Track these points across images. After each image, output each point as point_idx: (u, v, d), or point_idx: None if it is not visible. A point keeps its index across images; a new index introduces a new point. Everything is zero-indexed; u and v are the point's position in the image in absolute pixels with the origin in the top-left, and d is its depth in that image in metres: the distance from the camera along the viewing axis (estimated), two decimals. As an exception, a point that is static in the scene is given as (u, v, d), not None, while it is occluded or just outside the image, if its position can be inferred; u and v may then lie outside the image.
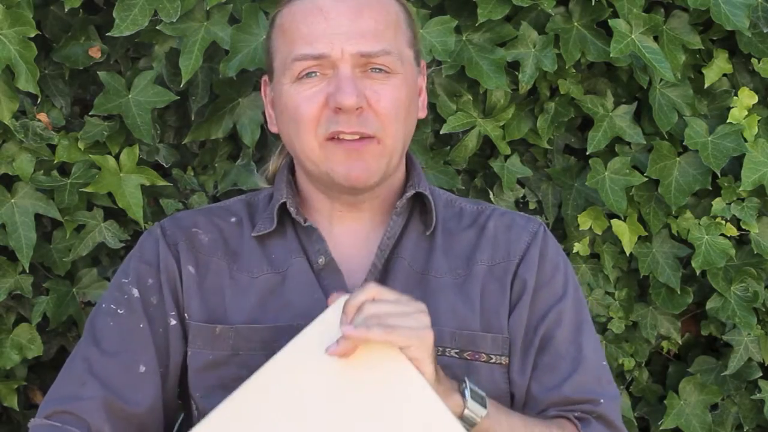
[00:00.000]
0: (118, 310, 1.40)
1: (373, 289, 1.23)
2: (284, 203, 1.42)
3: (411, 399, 1.20)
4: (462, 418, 1.27)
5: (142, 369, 1.38)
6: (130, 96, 1.91)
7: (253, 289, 1.41)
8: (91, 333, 1.41)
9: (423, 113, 1.46)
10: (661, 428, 2.16)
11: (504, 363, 1.41)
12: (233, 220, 1.47)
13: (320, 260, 1.40)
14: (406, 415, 1.20)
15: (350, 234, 1.44)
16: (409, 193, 1.43)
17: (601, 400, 1.41)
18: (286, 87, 1.37)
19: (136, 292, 1.41)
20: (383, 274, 1.41)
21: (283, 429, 1.21)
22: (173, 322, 1.41)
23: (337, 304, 1.24)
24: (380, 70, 1.35)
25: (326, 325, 1.23)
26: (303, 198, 1.46)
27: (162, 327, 1.40)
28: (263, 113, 1.94)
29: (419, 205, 1.45)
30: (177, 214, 1.53)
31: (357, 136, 1.34)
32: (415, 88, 1.42)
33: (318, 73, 1.35)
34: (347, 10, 1.35)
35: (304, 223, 1.41)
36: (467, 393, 1.28)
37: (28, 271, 1.92)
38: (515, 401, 1.43)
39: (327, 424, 1.21)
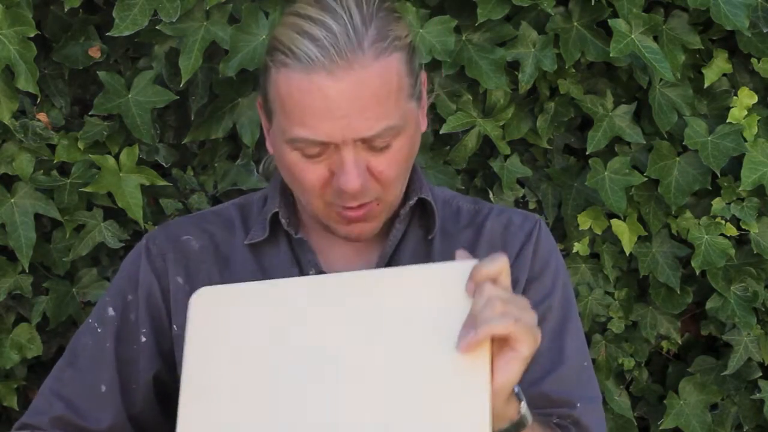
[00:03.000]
0: (98, 329, 1.41)
1: (504, 265, 1.14)
2: (277, 212, 1.41)
3: (465, 375, 1.10)
4: (516, 422, 1.19)
5: (103, 388, 1.39)
6: (129, 96, 1.91)
7: None
8: (72, 349, 1.42)
9: (424, 127, 1.40)
10: (660, 428, 2.16)
11: None
12: (225, 224, 1.45)
13: (311, 272, 1.39)
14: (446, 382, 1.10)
15: (347, 242, 1.42)
16: (413, 201, 1.41)
17: (578, 404, 1.39)
18: (286, 148, 1.30)
19: (111, 311, 1.41)
20: None
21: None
22: (143, 339, 1.40)
23: (465, 264, 1.15)
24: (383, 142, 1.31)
25: (446, 278, 1.15)
26: (297, 206, 1.44)
27: (136, 344, 1.40)
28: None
29: (419, 209, 1.44)
30: (169, 222, 1.51)
31: (357, 204, 1.31)
32: (417, 127, 1.36)
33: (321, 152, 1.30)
34: (346, 88, 1.26)
35: (296, 235, 1.39)
36: (521, 395, 1.21)
37: (27, 271, 1.93)
38: None
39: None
